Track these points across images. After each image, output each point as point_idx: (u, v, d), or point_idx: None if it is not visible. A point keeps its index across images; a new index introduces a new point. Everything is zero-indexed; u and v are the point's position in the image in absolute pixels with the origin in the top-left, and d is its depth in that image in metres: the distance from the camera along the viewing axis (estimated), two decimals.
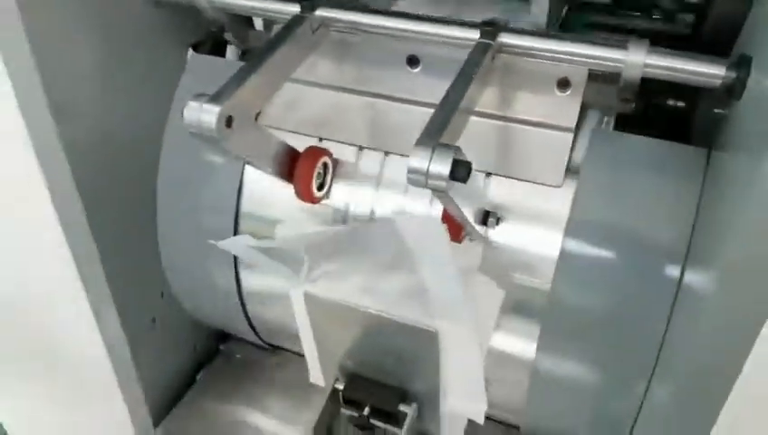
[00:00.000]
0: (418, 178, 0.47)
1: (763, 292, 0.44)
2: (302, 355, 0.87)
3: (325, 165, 0.71)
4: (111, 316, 0.82)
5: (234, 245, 0.72)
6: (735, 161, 0.50)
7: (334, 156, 0.72)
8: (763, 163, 0.40)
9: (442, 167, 0.46)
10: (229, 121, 0.53)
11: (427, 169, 0.46)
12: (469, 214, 0.61)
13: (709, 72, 0.53)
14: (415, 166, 0.46)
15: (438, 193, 0.48)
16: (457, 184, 0.50)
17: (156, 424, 0.92)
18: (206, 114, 0.51)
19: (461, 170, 0.46)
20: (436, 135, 0.48)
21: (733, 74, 0.52)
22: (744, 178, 0.46)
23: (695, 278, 0.57)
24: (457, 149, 0.47)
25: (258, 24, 0.86)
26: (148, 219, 0.83)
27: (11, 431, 1.05)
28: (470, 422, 0.85)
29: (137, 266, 0.84)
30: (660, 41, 0.59)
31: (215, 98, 0.52)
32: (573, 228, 0.63)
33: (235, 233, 0.80)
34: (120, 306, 0.81)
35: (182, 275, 0.87)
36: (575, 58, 0.57)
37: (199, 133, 0.53)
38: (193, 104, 0.52)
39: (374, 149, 0.72)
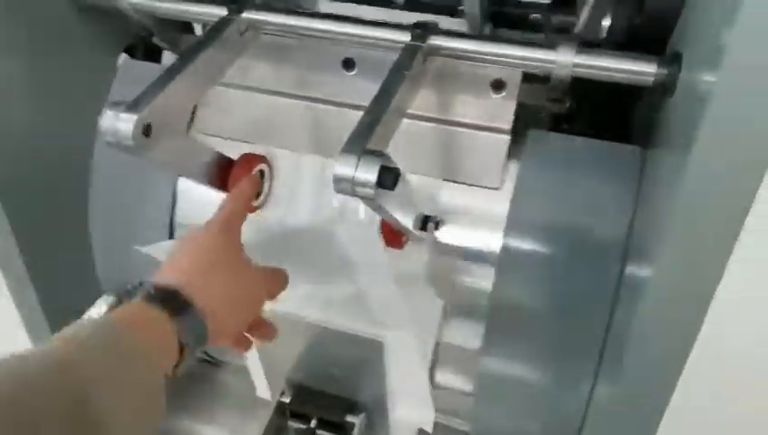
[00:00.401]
0: (345, 187, 0.45)
1: (696, 285, 0.45)
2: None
3: (262, 172, 0.68)
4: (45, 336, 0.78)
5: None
6: (666, 157, 0.50)
7: (272, 162, 0.70)
8: (688, 157, 0.40)
9: (369, 174, 0.44)
10: (147, 130, 0.50)
11: (353, 177, 0.44)
12: (408, 219, 0.59)
13: (641, 70, 0.52)
14: (340, 174, 0.45)
15: (367, 201, 0.47)
16: (396, 196, 0.49)
17: None
18: (122, 123, 0.49)
19: (388, 178, 0.45)
20: (363, 141, 0.46)
21: (664, 72, 0.52)
22: (672, 173, 0.46)
23: (634, 274, 0.56)
24: (385, 155, 0.45)
25: (198, 28, 0.83)
26: (82, 234, 0.79)
27: None
28: (420, 430, 0.84)
29: (70, 283, 0.80)
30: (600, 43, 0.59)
31: (132, 106, 0.50)
32: (512, 229, 0.63)
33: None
34: (53, 328, 0.78)
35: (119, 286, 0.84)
36: (505, 60, 0.56)
37: (116, 143, 0.50)
38: (109, 113, 0.49)
39: (313, 155, 0.70)
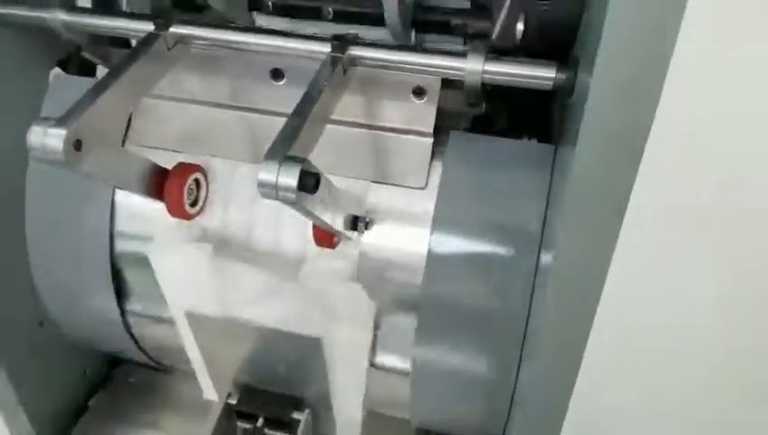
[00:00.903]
0: (269, 192, 0.48)
1: (589, 268, 0.50)
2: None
3: (197, 181, 0.70)
4: None
5: None
6: (565, 152, 0.55)
7: (206, 171, 0.72)
8: (574, 150, 0.45)
9: (290, 179, 0.47)
10: (78, 145, 0.52)
11: (276, 182, 0.47)
12: (338, 220, 0.63)
13: (542, 75, 0.57)
14: (263, 179, 0.47)
15: (291, 204, 0.50)
16: (319, 198, 0.52)
17: None
18: (50, 139, 0.51)
19: (309, 181, 0.48)
20: (285, 148, 0.49)
21: (563, 76, 0.56)
22: (566, 166, 0.50)
23: (544, 264, 0.61)
24: (306, 160, 0.48)
25: (134, 41, 0.85)
26: (19, 247, 0.79)
27: None
28: (366, 420, 0.87)
29: (9, 296, 0.80)
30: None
31: (61, 121, 0.51)
32: (438, 226, 0.67)
33: (111, 253, 0.78)
34: None
35: (60, 303, 0.84)
36: (421, 68, 0.60)
37: (45, 159, 0.51)
38: (36, 129, 0.51)
39: (246, 163, 0.73)
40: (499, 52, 0.59)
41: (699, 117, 0.43)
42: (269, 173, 0.47)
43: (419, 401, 0.77)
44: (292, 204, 0.49)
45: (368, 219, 0.67)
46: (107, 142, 0.57)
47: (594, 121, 0.42)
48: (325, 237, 0.66)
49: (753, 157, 0.44)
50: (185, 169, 0.69)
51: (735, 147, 0.44)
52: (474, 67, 0.57)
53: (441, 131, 0.68)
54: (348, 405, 0.81)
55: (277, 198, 0.48)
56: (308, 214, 0.53)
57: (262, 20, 0.77)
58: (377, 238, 0.69)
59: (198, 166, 0.70)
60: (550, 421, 0.60)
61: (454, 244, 0.67)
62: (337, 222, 0.61)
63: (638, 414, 0.62)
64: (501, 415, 0.75)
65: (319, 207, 0.53)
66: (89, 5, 0.78)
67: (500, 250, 0.67)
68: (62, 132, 0.51)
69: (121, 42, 0.82)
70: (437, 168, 0.68)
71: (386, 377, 0.78)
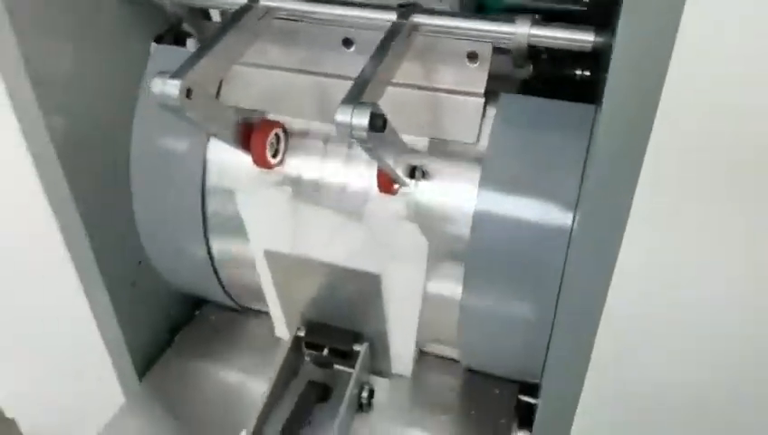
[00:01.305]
0: (344, 130, 0.58)
1: (609, 230, 0.58)
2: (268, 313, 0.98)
3: (277, 135, 0.82)
4: (96, 281, 0.92)
5: None
6: (598, 111, 0.63)
7: (286, 127, 0.83)
8: (599, 112, 0.53)
9: (361, 119, 0.57)
10: (189, 93, 0.64)
11: (350, 122, 0.57)
12: (399, 168, 0.72)
13: (581, 38, 0.65)
14: (339, 120, 0.58)
15: (362, 143, 0.60)
16: (385, 140, 0.62)
17: (140, 379, 1.02)
18: (169, 87, 0.62)
19: (377, 121, 0.58)
20: (357, 95, 0.59)
21: (600, 39, 0.64)
22: (597, 123, 0.58)
23: (577, 220, 0.69)
24: (374, 104, 0.58)
25: (216, 16, 0.97)
26: (126, 193, 0.93)
27: (5, 397, 1.15)
28: (418, 360, 0.98)
29: (116, 236, 0.94)
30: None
31: (176, 74, 0.63)
32: (486, 180, 0.75)
33: (203, 203, 0.90)
34: (103, 273, 0.91)
35: (157, 244, 0.97)
36: (475, 33, 0.69)
37: (164, 104, 0.63)
38: (158, 80, 0.63)
39: (321, 122, 0.83)
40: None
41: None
42: (344, 115, 0.58)
43: (467, 341, 0.86)
44: (363, 141, 0.59)
45: (424, 169, 0.77)
46: (208, 96, 0.69)
47: (615, 80, 0.51)
48: (387, 184, 0.76)
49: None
50: (267, 124, 0.80)
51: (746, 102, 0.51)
52: (521, 31, 0.66)
53: (492, 93, 0.77)
54: (402, 340, 0.91)
55: (351, 137, 0.58)
56: (374, 153, 0.63)
57: None
58: (431, 187, 0.78)
59: (279, 122, 0.81)
60: (576, 362, 0.69)
61: (499, 197, 0.76)
62: (398, 168, 0.71)
63: (658, 376, 0.69)
64: (541, 358, 0.82)
65: (384, 148, 0.63)
66: None
67: (540, 205, 0.74)
68: (177, 82, 0.62)
69: (209, 16, 0.95)
70: (487, 127, 0.77)
71: (437, 315, 0.87)
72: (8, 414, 1.19)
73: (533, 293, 0.78)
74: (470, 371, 0.97)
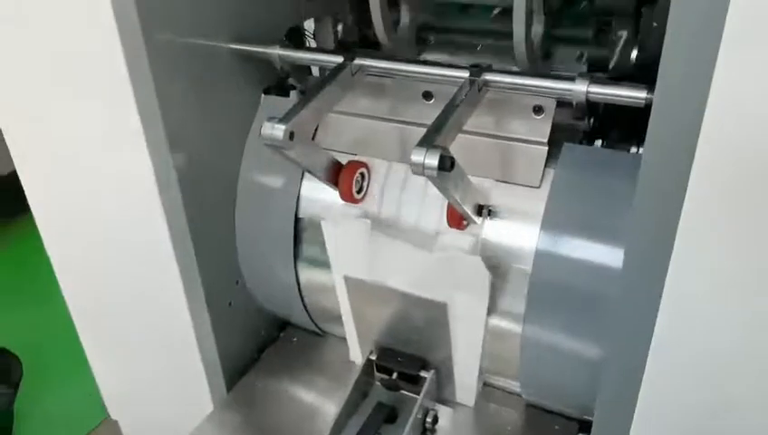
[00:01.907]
0: (417, 169, 0.68)
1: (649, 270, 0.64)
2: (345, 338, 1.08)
3: (362, 174, 0.93)
4: (199, 299, 1.05)
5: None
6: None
7: (370, 168, 0.94)
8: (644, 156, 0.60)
9: (432, 160, 0.67)
10: (291, 136, 0.76)
11: (423, 162, 0.68)
12: (467, 206, 0.81)
13: (635, 95, 0.72)
14: (414, 160, 0.68)
15: (433, 180, 0.69)
16: (454, 179, 0.71)
17: (228, 391, 1.14)
18: (276, 130, 0.75)
19: (446, 162, 0.67)
20: (430, 139, 0.70)
21: (652, 96, 0.71)
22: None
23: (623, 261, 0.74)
24: (444, 148, 0.68)
25: (315, 71, 1.12)
26: (230, 222, 1.07)
27: (109, 399, 1.30)
28: (482, 391, 1.03)
29: (219, 259, 1.07)
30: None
31: (282, 119, 0.76)
32: (548, 221, 0.83)
33: (294, 232, 1.03)
34: (205, 290, 1.05)
35: (252, 268, 1.10)
36: (539, 89, 0.78)
37: (271, 144, 0.76)
38: (267, 123, 0.76)
39: (400, 163, 0.94)
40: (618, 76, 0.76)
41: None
42: (418, 155, 0.68)
43: (527, 374, 0.92)
44: (434, 179, 0.69)
45: (491, 208, 0.85)
46: (306, 139, 0.82)
47: (655, 130, 0.58)
48: (456, 219, 0.85)
49: None
50: (354, 165, 0.92)
51: None
52: (579, 89, 0.74)
53: (555, 143, 0.85)
54: (466, 369, 0.98)
55: (423, 174, 0.68)
56: (444, 190, 0.72)
57: (425, 55, 1.00)
58: (497, 224, 0.86)
59: (364, 163, 0.93)
60: (624, 400, 0.73)
61: (559, 238, 0.82)
62: (466, 205, 0.80)
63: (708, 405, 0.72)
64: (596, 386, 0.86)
65: (452, 185, 0.72)
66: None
67: (597, 245, 0.80)
68: (282, 126, 0.75)
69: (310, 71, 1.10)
70: (550, 173, 0.85)
71: (500, 348, 0.93)
72: (113, 415, 1.34)
73: (590, 329, 0.83)
74: (531, 405, 1.02)
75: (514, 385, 1.00)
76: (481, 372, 0.98)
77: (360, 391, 1.04)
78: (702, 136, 0.57)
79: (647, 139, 0.60)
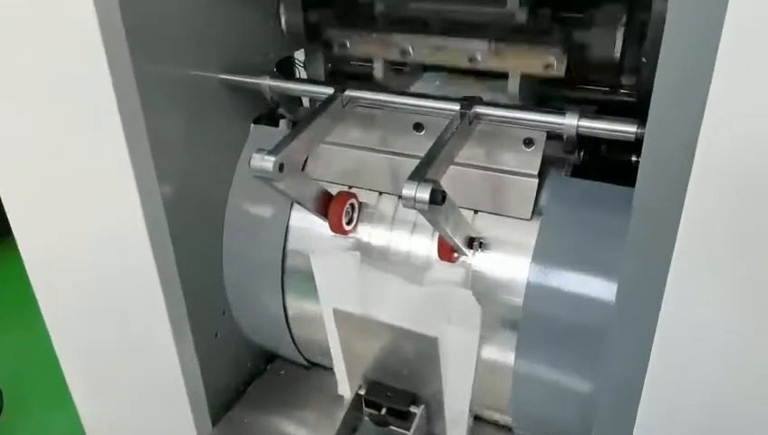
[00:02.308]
0: (409, 203, 0.68)
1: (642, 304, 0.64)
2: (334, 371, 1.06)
3: (352, 205, 0.92)
4: (185, 330, 1.02)
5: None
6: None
7: (360, 199, 0.94)
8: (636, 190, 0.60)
9: (424, 193, 0.66)
10: (281, 168, 0.75)
11: (414, 196, 0.67)
12: (458, 238, 0.81)
13: (625, 129, 0.73)
14: (405, 194, 0.67)
15: (424, 213, 0.69)
16: (445, 212, 0.71)
17: (213, 425, 1.11)
18: (265, 162, 0.74)
19: (437, 196, 0.67)
20: (422, 173, 0.69)
21: (642, 130, 0.72)
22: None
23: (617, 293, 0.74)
24: (435, 181, 0.68)
25: (306, 101, 1.12)
26: (218, 252, 1.05)
27: (89, 429, 1.26)
28: (473, 425, 1.01)
29: (206, 289, 1.05)
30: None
31: (272, 151, 0.75)
32: (539, 254, 0.82)
33: (283, 264, 1.01)
34: (191, 320, 1.03)
35: (240, 298, 1.09)
36: (529, 122, 0.78)
37: (261, 176, 0.75)
38: (256, 155, 0.75)
39: (390, 194, 0.93)
40: None
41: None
42: (410, 189, 0.67)
43: (518, 407, 0.90)
44: (425, 212, 0.68)
45: (482, 240, 0.84)
46: (296, 170, 0.81)
47: (649, 162, 0.58)
48: (447, 252, 0.84)
49: None
50: (344, 196, 0.91)
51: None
52: (570, 122, 0.74)
53: (546, 175, 0.84)
54: (457, 404, 0.96)
55: (414, 208, 0.68)
56: (435, 223, 0.72)
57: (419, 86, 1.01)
58: (488, 257, 0.85)
59: (354, 194, 0.92)
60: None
61: (550, 271, 0.82)
62: (457, 238, 0.80)
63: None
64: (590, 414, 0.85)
65: (443, 219, 0.71)
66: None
67: (588, 278, 0.80)
68: (272, 158, 0.74)
69: (301, 101, 1.10)
70: (541, 206, 0.84)
71: (491, 381, 0.92)
72: None
73: (582, 363, 0.82)
74: None
75: (506, 419, 0.99)
76: (472, 406, 0.97)
77: (349, 426, 1.02)
78: (694, 171, 0.57)
79: (639, 173, 0.60)
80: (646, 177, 0.59)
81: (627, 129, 0.72)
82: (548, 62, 0.86)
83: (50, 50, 0.83)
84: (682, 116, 0.56)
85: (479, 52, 0.90)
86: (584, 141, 0.78)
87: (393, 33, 0.93)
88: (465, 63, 0.92)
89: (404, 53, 0.93)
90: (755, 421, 0.67)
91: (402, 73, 1.02)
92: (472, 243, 0.84)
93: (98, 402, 1.25)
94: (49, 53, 0.84)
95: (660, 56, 0.55)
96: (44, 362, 1.37)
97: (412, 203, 0.67)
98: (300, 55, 1.21)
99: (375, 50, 0.97)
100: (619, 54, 0.84)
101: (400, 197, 0.68)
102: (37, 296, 1.13)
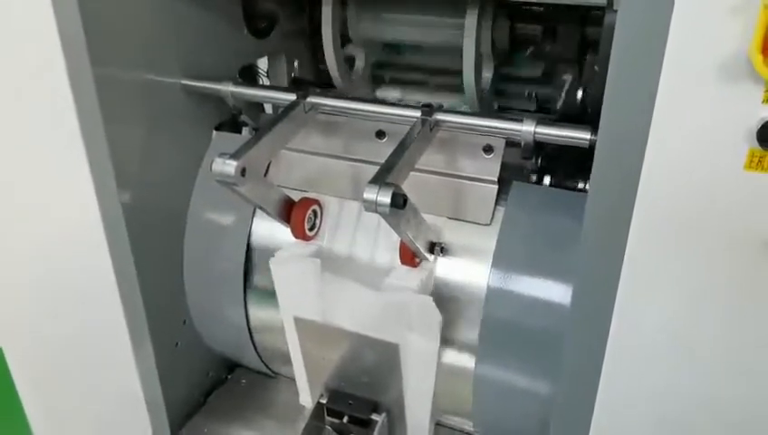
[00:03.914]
0: (370, 206, 0.68)
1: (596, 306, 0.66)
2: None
3: (315, 211, 0.92)
4: (144, 337, 1.00)
5: None
6: None
7: (323, 205, 0.94)
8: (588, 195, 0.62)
9: (385, 197, 0.67)
10: (243, 172, 0.75)
11: (376, 199, 0.68)
12: (419, 243, 0.82)
13: (579, 136, 0.75)
14: (367, 197, 0.68)
15: (386, 217, 0.69)
16: (406, 216, 0.72)
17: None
18: (227, 166, 0.74)
19: (398, 199, 0.68)
20: (383, 178, 0.70)
21: (596, 137, 0.74)
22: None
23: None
24: (396, 185, 0.69)
25: (268, 109, 1.12)
26: (178, 260, 1.04)
27: None
28: (435, 431, 1.02)
29: (166, 297, 1.04)
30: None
31: (233, 155, 0.75)
32: (498, 259, 0.84)
33: (245, 273, 1.00)
34: (151, 330, 1.01)
35: (200, 307, 1.07)
36: (488, 129, 0.80)
37: (222, 181, 0.75)
38: (218, 159, 0.75)
39: (353, 200, 0.94)
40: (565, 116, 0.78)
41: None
42: (371, 193, 0.68)
43: (480, 411, 0.91)
44: (386, 217, 0.69)
45: (443, 245, 0.86)
46: (258, 175, 0.81)
47: (598, 171, 0.60)
48: (409, 257, 0.85)
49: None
50: (306, 202, 0.91)
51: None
52: (527, 129, 0.77)
53: (505, 181, 0.86)
54: (418, 411, 0.96)
55: (376, 211, 0.68)
56: (396, 227, 0.72)
57: (380, 92, 1.02)
58: (449, 262, 0.87)
59: (317, 200, 0.92)
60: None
61: (509, 275, 0.83)
62: (419, 243, 0.80)
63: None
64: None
65: (404, 223, 0.72)
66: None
67: (546, 282, 0.82)
68: (234, 162, 0.74)
69: (263, 108, 1.10)
70: (500, 211, 0.86)
71: (453, 387, 0.93)
72: None
73: (542, 366, 0.84)
74: None
75: (468, 424, 0.99)
76: (433, 413, 0.97)
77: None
78: (643, 176, 0.59)
79: (591, 179, 0.62)
80: (597, 182, 0.61)
81: (581, 135, 0.75)
82: None
83: (8, 53, 0.82)
84: (631, 124, 0.58)
85: None
86: (542, 147, 0.80)
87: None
88: None
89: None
90: (705, 420, 0.69)
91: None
92: (433, 248, 0.85)
93: (52, 414, 1.21)
94: (7, 57, 0.82)
95: (609, 69, 0.57)
96: None
97: (373, 206, 0.68)
98: (263, 65, 1.22)
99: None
100: None
101: (362, 202, 0.68)
102: None
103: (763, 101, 0.53)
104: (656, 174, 0.59)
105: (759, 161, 0.54)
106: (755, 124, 0.53)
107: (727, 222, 0.59)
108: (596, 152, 0.61)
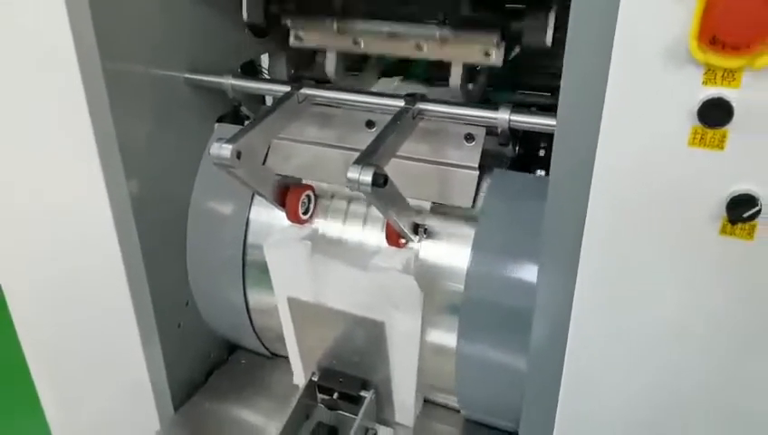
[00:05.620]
0: (353, 185, 0.74)
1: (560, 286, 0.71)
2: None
3: (308, 196, 0.98)
4: (149, 318, 1.06)
5: None
6: None
7: (316, 191, 1.00)
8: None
9: (366, 176, 0.73)
10: (239, 155, 0.81)
11: (358, 178, 0.73)
12: (404, 224, 0.87)
13: (549, 123, 0.80)
14: (350, 176, 0.74)
15: (368, 196, 0.75)
16: (388, 195, 0.77)
17: (175, 410, 1.15)
18: (223, 150, 0.80)
19: (379, 178, 0.73)
20: (366, 159, 0.76)
21: None
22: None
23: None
24: (377, 166, 0.74)
25: (269, 101, 1.18)
26: (182, 245, 1.10)
27: (53, 417, 1.29)
28: (423, 409, 1.07)
29: (170, 280, 1.09)
30: None
31: (229, 140, 0.81)
32: (478, 243, 0.89)
33: (243, 255, 1.06)
34: (155, 311, 1.07)
35: (202, 289, 1.13)
36: (467, 117, 0.86)
37: (219, 163, 0.81)
38: (216, 144, 0.81)
39: (344, 187, 0.99)
40: None
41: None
42: (354, 172, 0.74)
43: (462, 389, 0.96)
44: (368, 195, 0.74)
45: (426, 227, 0.91)
46: (254, 161, 0.87)
47: (557, 157, 0.66)
48: (394, 237, 0.90)
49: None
50: (300, 187, 0.97)
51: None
52: (502, 117, 0.82)
53: (485, 168, 0.92)
54: (404, 388, 1.01)
55: (359, 190, 0.74)
56: (379, 206, 0.78)
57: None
58: (432, 244, 0.92)
59: (311, 186, 0.98)
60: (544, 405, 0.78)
61: (489, 257, 0.88)
62: (402, 223, 0.86)
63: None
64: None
65: (386, 202, 0.78)
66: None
67: (523, 264, 0.87)
68: (229, 146, 0.80)
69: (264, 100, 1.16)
70: (481, 197, 0.92)
71: (438, 365, 0.98)
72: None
73: (520, 344, 0.88)
74: (471, 421, 1.06)
75: (454, 401, 1.04)
76: (420, 391, 1.02)
77: (302, 412, 1.06)
78: (598, 158, 0.64)
79: (551, 163, 0.67)
80: (556, 166, 0.67)
81: (551, 122, 0.80)
82: (487, 50, 0.93)
83: (22, 49, 0.88)
84: (585, 109, 0.63)
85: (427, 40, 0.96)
86: (518, 135, 0.86)
87: (347, 21, 1.00)
88: (413, 53, 0.99)
89: (356, 43, 1.00)
90: (665, 390, 0.74)
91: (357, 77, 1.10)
92: (417, 229, 0.90)
93: (62, 392, 1.27)
94: (21, 53, 0.89)
95: (565, 56, 0.63)
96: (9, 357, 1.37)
97: (356, 185, 0.74)
98: (265, 64, 1.29)
99: (328, 40, 1.04)
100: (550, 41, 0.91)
101: (346, 180, 0.74)
102: (3, 289, 1.16)
103: (702, 83, 0.58)
104: (609, 156, 0.64)
105: (701, 138, 0.59)
106: (696, 104, 0.58)
107: (677, 199, 0.64)
108: (555, 138, 0.66)
